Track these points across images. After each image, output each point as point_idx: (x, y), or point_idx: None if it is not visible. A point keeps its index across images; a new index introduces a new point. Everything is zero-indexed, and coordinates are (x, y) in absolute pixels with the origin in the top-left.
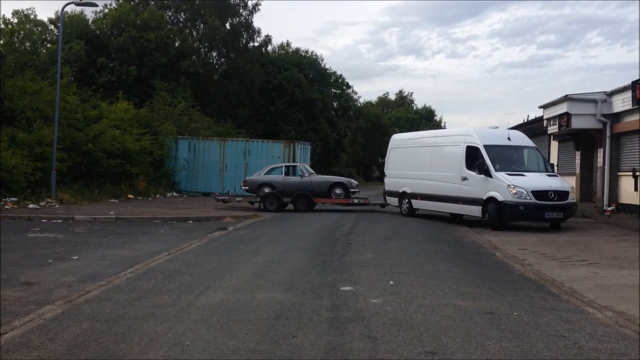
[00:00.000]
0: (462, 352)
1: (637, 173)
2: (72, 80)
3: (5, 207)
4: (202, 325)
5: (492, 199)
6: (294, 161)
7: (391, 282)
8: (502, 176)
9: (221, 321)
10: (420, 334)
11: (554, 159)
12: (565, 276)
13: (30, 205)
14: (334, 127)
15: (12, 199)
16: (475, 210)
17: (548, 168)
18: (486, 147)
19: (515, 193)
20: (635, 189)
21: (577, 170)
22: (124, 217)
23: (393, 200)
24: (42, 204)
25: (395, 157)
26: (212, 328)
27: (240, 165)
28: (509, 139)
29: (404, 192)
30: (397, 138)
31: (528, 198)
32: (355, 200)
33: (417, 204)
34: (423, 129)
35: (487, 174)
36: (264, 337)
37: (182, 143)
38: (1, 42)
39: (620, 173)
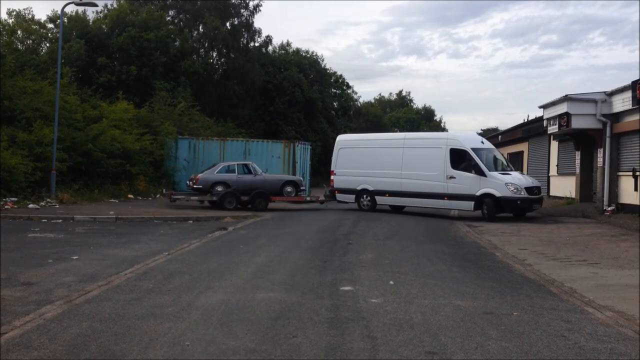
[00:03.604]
0: (462, 352)
1: (637, 173)
2: (72, 80)
3: (5, 207)
4: (202, 325)
5: (487, 195)
6: (294, 161)
7: (391, 282)
8: (497, 175)
9: (221, 321)
10: (420, 334)
11: (553, 159)
12: (565, 276)
13: (30, 205)
14: (334, 127)
15: (12, 199)
16: (466, 205)
17: (515, 167)
18: (473, 150)
19: (513, 190)
20: (635, 189)
21: (577, 170)
22: (124, 217)
23: (348, 197)
24: (42, 204)
25: (346, 157)
26: (212, 328)
27: None
28: (482, 142)
29: (364, 190)
30: (346, 139)
31: (522, 193)
32: (308, 198)
33: (383, 200)
34: (423, 129)
35: (481, 173)
36: (264, 337)
37: (182, 143)
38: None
39: (620, 173)
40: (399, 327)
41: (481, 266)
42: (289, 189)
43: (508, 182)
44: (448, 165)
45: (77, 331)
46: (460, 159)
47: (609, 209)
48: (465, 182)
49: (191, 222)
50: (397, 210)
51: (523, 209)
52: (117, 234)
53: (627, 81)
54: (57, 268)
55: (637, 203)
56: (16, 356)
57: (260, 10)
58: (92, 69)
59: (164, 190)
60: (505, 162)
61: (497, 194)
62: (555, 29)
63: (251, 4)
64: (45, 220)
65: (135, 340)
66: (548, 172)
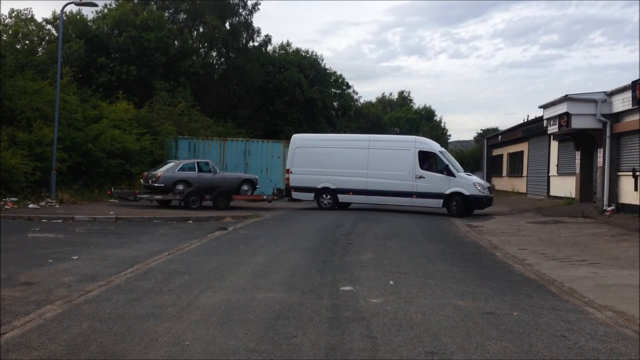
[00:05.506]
0: (462, 352)
1: (637, 173)
2: (72, 80)
3: (5, 207)
4: (202, 325)
5: (457, 194)
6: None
7: (391, 282)
8: (465, 176)
9: (221, 321)
10: (420, 334)
11: (553, 159)
12: (565, 276)
13: (30, 205)
14: (334, 127)
15: (12, 199)
16: (435, 203)
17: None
18: (441, 152)
19: (480, 189)
20: (635, 189)
21: (577, 170)
22: (124, 217)
23: (305, 195)
24: (42, 204)
25: (304, 156)
26: (212, 328)
27: (240, 165)
28: (441, 146)
29: (326, 188)
30: (303, 138)
31: (486, 192)
32: (265, 197)
33: (346, 198)
34: (423, 129)
35: (451, 174)
36: (264, 337)
37: (182, 143)
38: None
39: (620, 173)
40: (399, 327)
41: (481, 266)
42: (245, 187)
43: (476, 182)
44: (417, 165)
45: (77, 331)
46: (427, 160)
47: (609, 209)
48: (435, 181)
49: (191, 222)
50: (343, 207)
51: (486, 206)
52: (117, 234)
53: (627, 81)
54: (57, 268)
55: (637, 203)
56: (16, 356)
57: (258, 9)
58: (92, 69)
59: (112, 189)
60: (459, 165)
61: (466, 192)
62: (557, 29)
63: (249, 3)
64: (45, 220)
65: (135, 340)
66: (548, 172)
